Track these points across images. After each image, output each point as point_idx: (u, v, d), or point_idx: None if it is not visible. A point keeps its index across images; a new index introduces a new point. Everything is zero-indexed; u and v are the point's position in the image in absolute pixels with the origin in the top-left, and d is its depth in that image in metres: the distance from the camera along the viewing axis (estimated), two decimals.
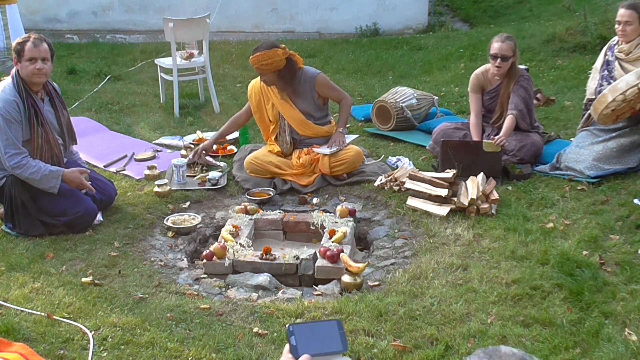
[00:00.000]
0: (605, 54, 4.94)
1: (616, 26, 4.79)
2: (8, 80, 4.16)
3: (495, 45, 4.92)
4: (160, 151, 5.64)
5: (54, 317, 3.20)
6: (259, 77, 4.98)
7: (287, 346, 1.50)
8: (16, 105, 4.04)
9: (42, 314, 3.23)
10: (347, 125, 5.46)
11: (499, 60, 4.91)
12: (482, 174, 4.48)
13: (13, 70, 4.14)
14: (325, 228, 4.18)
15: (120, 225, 4.24)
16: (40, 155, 4.13)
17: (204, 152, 5.10)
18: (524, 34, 9.02)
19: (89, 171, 4.36)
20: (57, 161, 4.21)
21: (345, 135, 5.04)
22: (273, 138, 5.03)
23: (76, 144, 4.51)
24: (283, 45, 4.77)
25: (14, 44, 4.15)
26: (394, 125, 5.78)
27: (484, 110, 5.17)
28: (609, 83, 4.76)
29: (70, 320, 3.19)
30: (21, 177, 4.05)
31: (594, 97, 4.84)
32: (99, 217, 4.30)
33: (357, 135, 5.43)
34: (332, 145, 4.87)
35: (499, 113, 5.07)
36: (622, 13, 4.72)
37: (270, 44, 4.79)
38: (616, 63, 4.83)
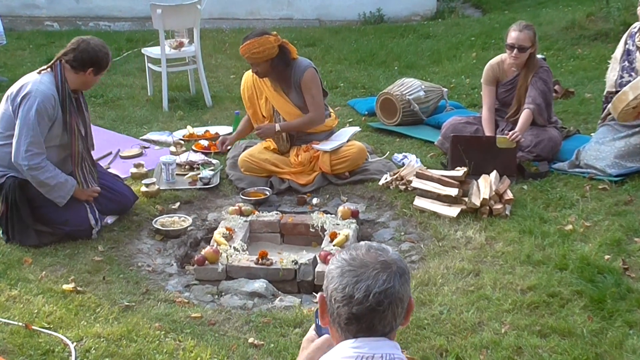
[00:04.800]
0: (626, 43, 4.92)
1: (638, 8, 4.78)
2: (46, 73, 4.03)
3: (513, 35, 4.91)
4: (148, 148, 5.65)
5: (33, 327, 3.20)
6: (251, 70, 4.99)
7: (312, 325, 1.97)
8: (53, 100, 3.96)
9: (20, 324, 3.23)
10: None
11: (515, 50, 4.89)
12: (495, 172, 4.48)
13: (55, 64, 4.02)
14: (325, 230, 4.18)
15: (104, 227, 4.23)
16: (79, 164, 4.09)
17: (224, 143, 5.18)
18: (541, 21, 9.02)
19: (100, 191, 4.22)
20: (92, 172, 4.21)
21: (337, 132, 5.05)
22: None
23: (94, 150, 4.43)
24: (275, 33, 4.78)
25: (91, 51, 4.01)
26: (400, 119, 5.78)
27: (499, 104, 5.15)
28: (630, 75, 4.75)
29: (51, 330, 3.20)
30: (34, 181, 3.94)
31: (613, 89, 4.83)
32: (108, 219, 4.30)
33: (359, 128, 5.42)
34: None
35: (516, 107, 5.04)
36: None
37: (260, 31, 4.79)
38: (637, 53, 4.81)
